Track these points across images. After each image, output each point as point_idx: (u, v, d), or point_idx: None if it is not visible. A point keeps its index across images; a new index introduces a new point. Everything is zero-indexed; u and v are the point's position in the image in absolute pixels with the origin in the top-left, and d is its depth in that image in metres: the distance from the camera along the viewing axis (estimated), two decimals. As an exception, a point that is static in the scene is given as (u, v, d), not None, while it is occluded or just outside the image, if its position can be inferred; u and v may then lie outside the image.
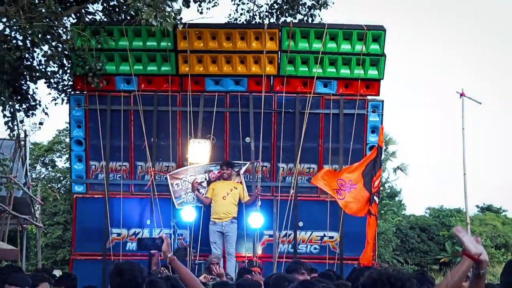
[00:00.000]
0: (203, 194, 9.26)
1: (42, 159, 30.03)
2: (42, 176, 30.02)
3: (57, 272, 19.97)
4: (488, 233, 34.95)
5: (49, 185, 29.40)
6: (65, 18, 9.88)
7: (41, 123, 15.71)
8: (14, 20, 8.74)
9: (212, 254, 8.68)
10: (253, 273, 7.33)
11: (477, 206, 41.89)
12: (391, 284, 2.49)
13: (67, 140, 28.46)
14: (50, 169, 30.56)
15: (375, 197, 8.56)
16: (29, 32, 8.55)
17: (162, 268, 8.80)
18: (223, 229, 8.86)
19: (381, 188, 28.60)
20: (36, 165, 29.36)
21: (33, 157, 28.83)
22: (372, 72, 9.81)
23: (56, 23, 8.99)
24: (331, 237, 9.79)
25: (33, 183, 23.15)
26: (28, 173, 17.31)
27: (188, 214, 9.19)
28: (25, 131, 14.73)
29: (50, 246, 26.98)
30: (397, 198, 35.81)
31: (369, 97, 9.99)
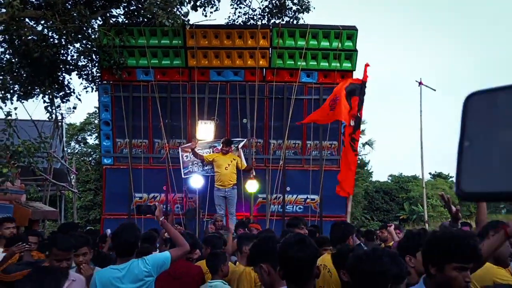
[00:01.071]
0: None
1: (76, 137, 29.86)
2: (76, 151, 29.88)
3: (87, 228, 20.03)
4: (438, 195, 35.25)
5: (82, 159, 29.28)
6: (93, 20, 9.72)
7: (74, 108, 15.46)
8: (51, 22, 8.61)
9: (217, 213, 8.72)
10: (247, 229, 7.29)
11: (430, 173, 42.18)
12: (456, 243, 2.25)
13: (96, 121, 28.33)
14: (82, 145, 30.44)
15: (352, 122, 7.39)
16: (64, 32, 8.42)
17: (176, 225, 8.86)
18: (226, 194, 8.83)
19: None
20: (71, 142, 29.21)
21: (68, 135, 28.65)
22: (347, 65, 9.75)
23: (86, 24, 8.87)
24: (313, 199, 9.83)
25: (69, 157, 23.05)
26: (65, 149, 17.25)
27: (196, 181, 9.18)
28: (61, 114, 14.61)
29: (84, 208, 26.98)
30: (365, 168, 35.85)
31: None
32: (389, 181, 40.98)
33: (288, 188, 9.80)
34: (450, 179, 41.04)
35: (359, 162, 32.03)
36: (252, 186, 9.20)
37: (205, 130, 9.42)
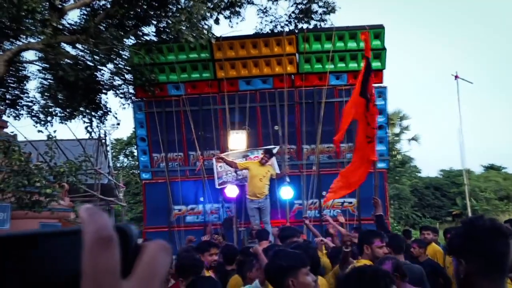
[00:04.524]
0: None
1: (124, 151, 30.73)
2: (125, 164, 30.75)
3: (140, 241, 20.54)
4: (492, 188, 33.83)
5: (131, 171, 30.10)
6: (125, 40, 9.99)
7: (118, 124, 16.02)
8: (85, 46, 8.93)
9: (254, 223, 8.71)
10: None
11: (482, 166, 40.58)
12: None
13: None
14: (130, 158, 31.29)
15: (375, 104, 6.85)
16: (96, 54, 8.72)
17: (216, 236, 8.95)
18: (259, 205, 8.72)
19: (395, 158, 27.72)
20: (119, 156, 30.13)
21: (117, 150, 29.60)
22: (376, 64, 9.50)
23: (117, 45, 9.12)
24: (350, 203, 9.66)
25: (117, 171, 23.79)
26: (111, 164, 17.81)
27: (231, 191, 9.21)
28: (105, 132, 15.11)
29: (135, 220, 27.70)
30: (407, 165, 34.63)
31: (374, 85, 9.71)
32: (440, 176, 39.62)
33: (324, 193, 9.61)
34: (503, 170, 39.34)
35: (401, 159, 30.98)
36: (286, 193, 9.15)
37: (237, 140, 9.46)
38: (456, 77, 10.51)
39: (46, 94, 10.01)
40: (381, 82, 9.72)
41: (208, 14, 7.74)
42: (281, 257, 2.55)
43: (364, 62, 6.85)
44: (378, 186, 9.50)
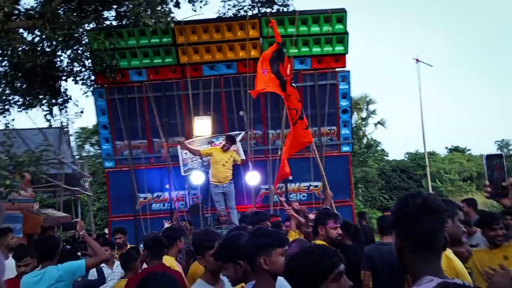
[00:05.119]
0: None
1: (90, 140, 30.12)
2: (91, 153, 30.16)
3: (105, 230, 20.29)
4: (456, 169, 34.81)
5: (97, 161, 29.57)
6: (86, 24, 9.71)
7: (81, 112, 15.66)
8: (42, 31, 8.64)
9: (220, 208, 8.69)
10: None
11: (446, 148, 41.63)
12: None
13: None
14: (96, 147, 30.71)
15: (292, 84, 7.05)
16: (53, 40, 8.46)
17: (183, 222, 8.90)
18: (224, 189, 8.73)
19: (360, 142, 28.18)
20: (84, 145, 29.53)
21: (82, 139, 28.98)
22: (339, 48, 9.61)
23: (75, 30, 8.87)
24: (316, 186, 9.76)
25: (83, 160, 23.27)
26: (74, 153, 17.43)
27: (197, 177, 9.16)
28: (67, 120, 14.74)
29: (103, 209, 27.30)
30: (374, 148, 35.17)
31: (338, 69, 9.80)
32: (406, 159, 40.42)
33: (290, 177, 9.70)
34: (467, 152, 40.48)
35: (365, 143, 31.48)
36: (252, 178, 9.16)
37: (202, 126, 9.38)
38: (417, 60, 10.75)
39: (2, 81, 9.65)
40: (344, 66, 9.79)
41: (168, -2, 7.59)
42: (258, 235, 2.55)
43: (275, 46, 7.17)
44: (343, 170, 9.67)
